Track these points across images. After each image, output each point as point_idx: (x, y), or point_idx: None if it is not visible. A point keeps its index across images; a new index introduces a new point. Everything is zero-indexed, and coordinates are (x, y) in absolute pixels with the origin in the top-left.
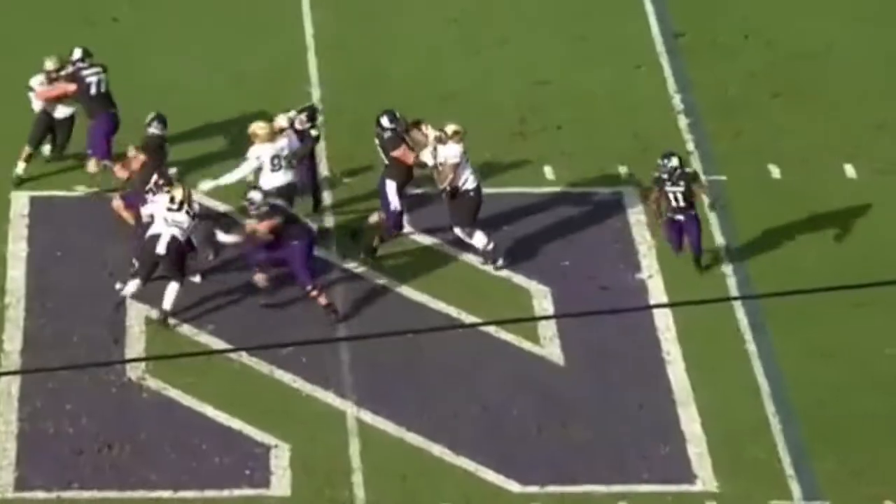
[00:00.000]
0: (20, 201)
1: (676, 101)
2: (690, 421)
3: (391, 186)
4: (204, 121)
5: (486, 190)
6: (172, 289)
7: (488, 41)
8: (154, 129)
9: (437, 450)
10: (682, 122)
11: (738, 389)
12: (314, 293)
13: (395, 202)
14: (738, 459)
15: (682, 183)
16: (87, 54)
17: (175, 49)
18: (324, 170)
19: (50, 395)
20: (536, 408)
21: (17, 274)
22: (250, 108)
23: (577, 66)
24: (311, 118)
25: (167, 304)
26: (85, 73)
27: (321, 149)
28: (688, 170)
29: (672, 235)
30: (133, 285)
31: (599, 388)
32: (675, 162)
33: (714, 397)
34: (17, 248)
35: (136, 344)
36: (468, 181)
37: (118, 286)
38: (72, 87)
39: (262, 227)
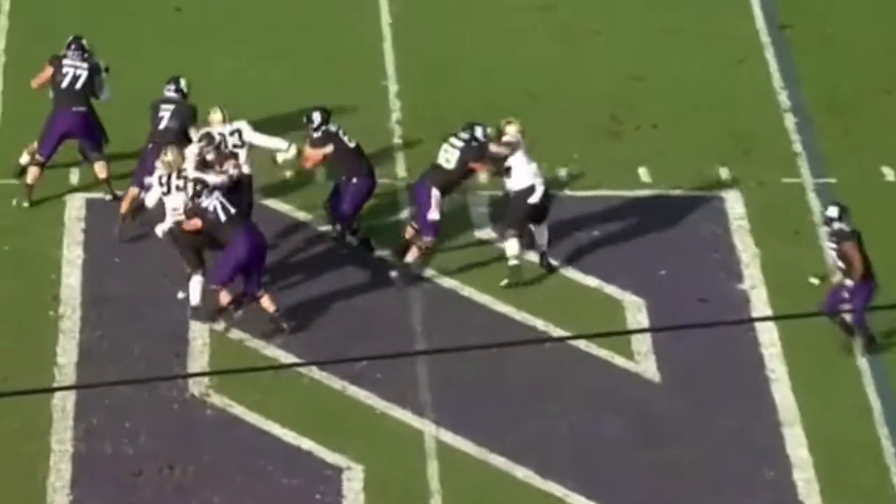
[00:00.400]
0: (75, 204)
1: (782, 97)
2: (796, 444)
3: (435, 194)
4: (267, 115)
5: (575, 192)
6: (195, 282)
7: (578, 32)
8: (165, 91)
9: (522, 473)
10: (790, 120)
11: (849, 410)
12: (219, 291)
13: (435, 211)
14: (849, 486)
15: (835, 239)
16: (77, 44)
17: (240, 40)
18: (401, 170)
19: (107, 412)
20: (630, 428)
21: (72, 282)
22: (319, 103)
23: (674, 60)
24: (309, 119)
25: (194, 298)
26: (65, 62)
27: (398, 146)
28: (846, 227)
29: (828, 300)
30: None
31: (697, 407)
32: (831, 212)
33: (822, 418)
34: (73, 255)
35: (199, 358)
36: (522, 180)
37: (180, 295)
38: (48, 70)
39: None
